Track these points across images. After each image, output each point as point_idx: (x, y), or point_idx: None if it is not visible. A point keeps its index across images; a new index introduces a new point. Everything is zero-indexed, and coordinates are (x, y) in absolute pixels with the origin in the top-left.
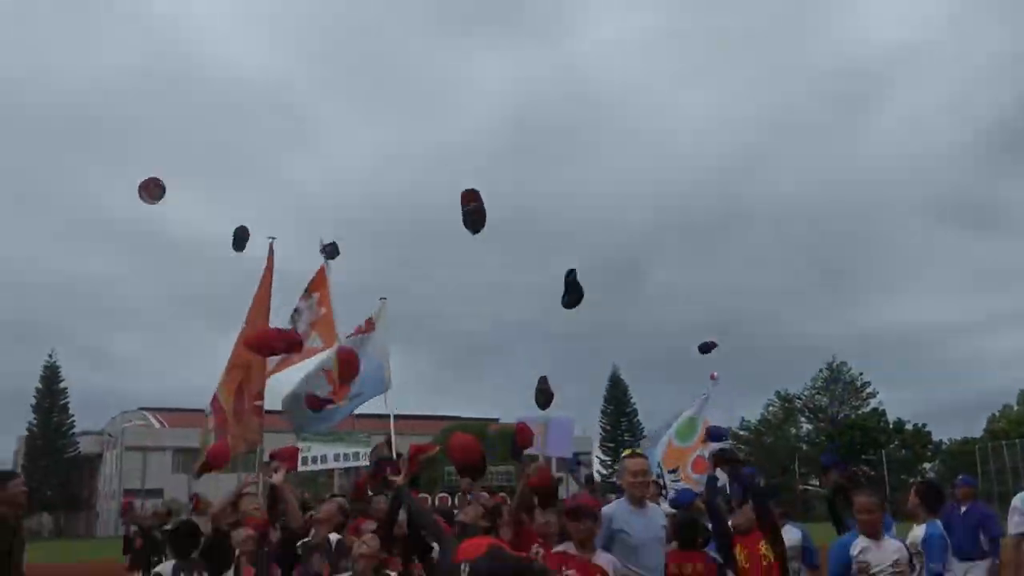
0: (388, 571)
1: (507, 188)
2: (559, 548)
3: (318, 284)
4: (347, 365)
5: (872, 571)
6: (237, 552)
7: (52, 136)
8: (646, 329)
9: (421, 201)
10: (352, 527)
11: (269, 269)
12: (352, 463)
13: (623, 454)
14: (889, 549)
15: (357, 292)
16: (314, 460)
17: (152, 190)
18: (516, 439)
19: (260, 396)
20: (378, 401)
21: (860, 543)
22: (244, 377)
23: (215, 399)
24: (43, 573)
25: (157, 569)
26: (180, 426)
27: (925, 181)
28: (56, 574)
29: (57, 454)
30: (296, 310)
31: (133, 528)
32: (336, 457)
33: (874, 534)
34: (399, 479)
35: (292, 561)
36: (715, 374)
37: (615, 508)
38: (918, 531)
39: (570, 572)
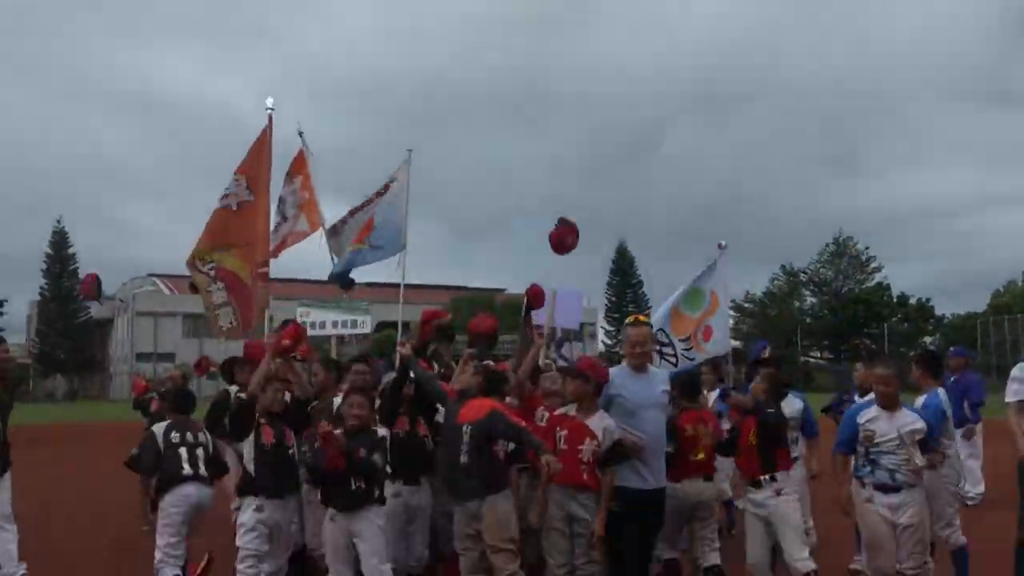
0: (375, 428)
1: (520, 60)
2: (562, 410)
3: (298, 167)
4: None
5: (876, 441)
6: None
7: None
8: (654, 202)
9: (432, 73)
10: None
11: (267, 137)
12: (351, 330)
13: (626, 321)
14: (900, 422)
15: (365, 160)
16: (312, 326)
17: (91, 288)
18: (529, 298)
19: (265, 264)
20: (381, 268)
21: (871, 412)
22: (249, 253)
23: (226, 272)
24: (60, 432)
25: (152, 428)
26: (189, 292)
27: (937, 56)
28: (72, 433)
29: (69, 319)
30: (281, 199)
31: (150, 393)
32: (335, 324)
33: (889, 405)
34: (405, 350)
35: (303, 424)
36: (723, 243)
37: (615, 372)
38: (918, 402)
39: (562, 432)
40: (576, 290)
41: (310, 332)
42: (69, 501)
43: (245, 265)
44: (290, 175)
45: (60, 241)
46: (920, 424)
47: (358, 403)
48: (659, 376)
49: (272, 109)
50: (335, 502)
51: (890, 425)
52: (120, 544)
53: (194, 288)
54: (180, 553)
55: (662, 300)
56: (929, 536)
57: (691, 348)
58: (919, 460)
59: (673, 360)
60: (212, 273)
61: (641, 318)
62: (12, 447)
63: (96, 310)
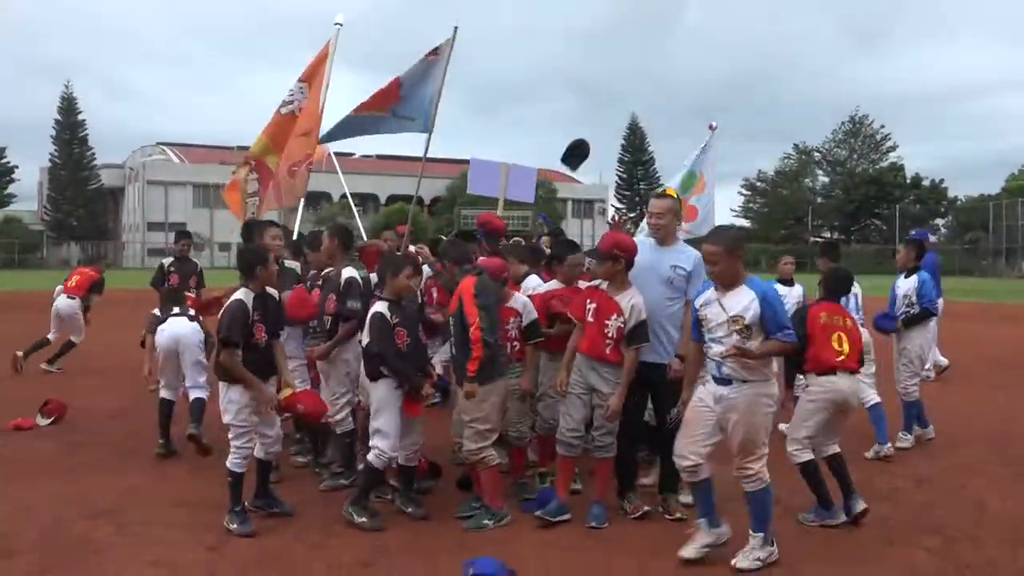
0: None
1: None
2: (596, 282)
3: (311, 73)
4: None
5: (710, 327)
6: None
7: None
8: (669, 77)
9: None
10: None
11: (329, 50)
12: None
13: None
14: (733, 304)
15: (376, 30)
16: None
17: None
18: (485, 230)
19: (309, 156)
20: (390, 141)
21: (708, 295)
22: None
23: (261, 164)
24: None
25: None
26: (200, 162)
27: None
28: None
29: (80, 185)
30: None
31: (168, 261)
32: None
33: (722, 286)
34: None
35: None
36: (713, 124)
37: (639, 241)
38: (912, 281)
39: (592, 305)
40: (530, 167)
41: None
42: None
43: (279, 158)
44: (302, 79)
45: (69, 107)
46: (752, 310)
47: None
48: (681, 254)
49: (341, 25)
50: None
51: (719, 309)
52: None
53: (232, 188)
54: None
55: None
56: (761, 439)
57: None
58: (743, 346)
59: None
60: (252, 164)
61: (669, 191)
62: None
63: (107, 177)
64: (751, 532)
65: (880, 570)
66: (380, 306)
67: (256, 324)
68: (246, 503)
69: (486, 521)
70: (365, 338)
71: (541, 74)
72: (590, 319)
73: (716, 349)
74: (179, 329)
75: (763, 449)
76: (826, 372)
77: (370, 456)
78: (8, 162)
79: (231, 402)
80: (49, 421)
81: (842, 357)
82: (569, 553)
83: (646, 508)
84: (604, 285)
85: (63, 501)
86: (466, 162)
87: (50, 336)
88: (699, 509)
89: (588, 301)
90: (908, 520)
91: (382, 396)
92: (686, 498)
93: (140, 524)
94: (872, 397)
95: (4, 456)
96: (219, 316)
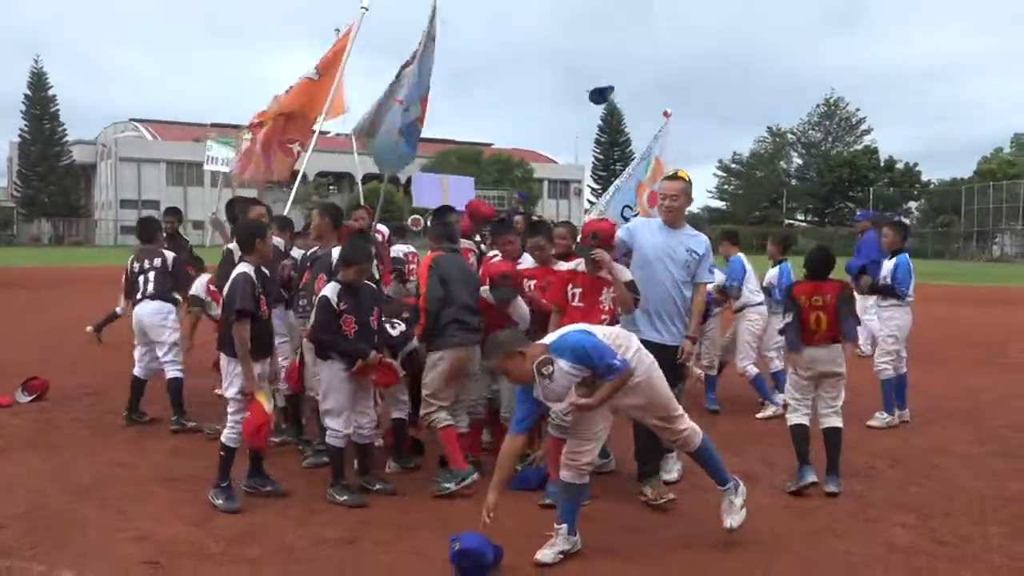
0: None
1: None
2: (569, 264)
3: (330, 64)
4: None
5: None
6: None
7: None
8: (646, 59)
9: None
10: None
11: (350, 32)
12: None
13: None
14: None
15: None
16: (213, 160)
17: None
18: (473, 215)
19: (292, 141)
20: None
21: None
22: (287, 121)
23: (257, 126)
24: (47, 276)
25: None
26: (173, 139)
27: None
28: (60, 276)
29: (51, 161)
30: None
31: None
32: (227, 162)
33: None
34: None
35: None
36: (668, 111)
37: (641, 223)
38: (889, 264)
39: (576, 290)
40: (467, 178)
41: (211, 166)
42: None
43: (272, 127)
44: (317, 68)
45: (39, 82)
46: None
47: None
48: (693, 238)
49: (367, 10)
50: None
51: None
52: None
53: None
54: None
55: (628, 175)
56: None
57: (637, 214)
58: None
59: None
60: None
61: (681, 173)
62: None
63: (79, 154)
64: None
65: (857, 545)
66: (329, 289)
67: (260, 296)
68: (242, 484)
69: (447, 484)
70: (239, 297)
71: (519, 52)
72: (577, 303)
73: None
74: (140, 312)
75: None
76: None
77: (327, 438)
78: None
79: (236, 376)
80: (30, 398)
81: (818, 335)
82: (548, 527)
83: (671, 495)
84: (582, 266)
85: (45, 477)
86: (445, 141)
87: (118, 309)
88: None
89: (570, 286)
90: (884, 497)
91: (328, 377)
92: (669, 475)
93: (122, 500)
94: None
95: None
96: (225, 292)
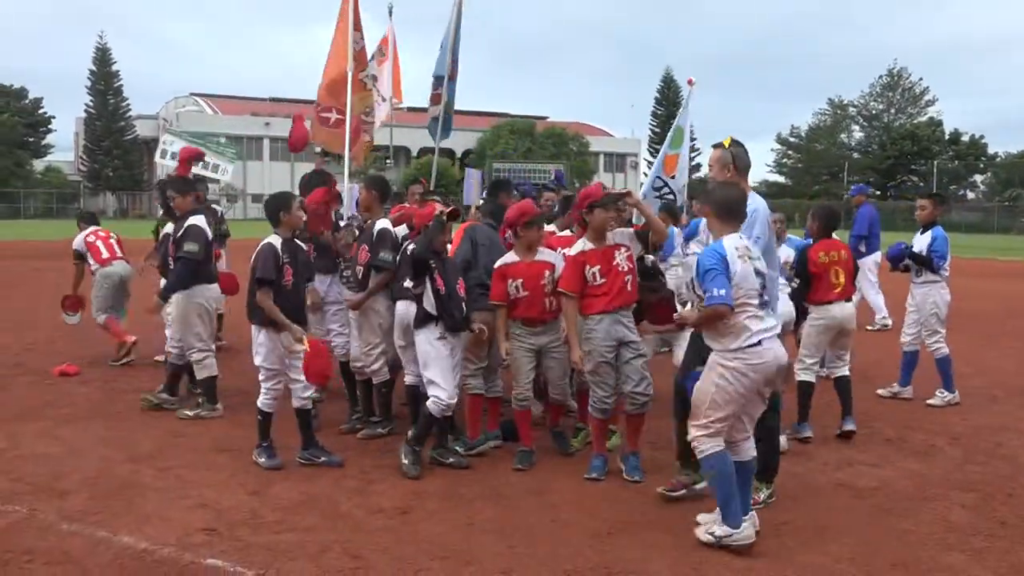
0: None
1: None
2: (576, 247)
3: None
4: None
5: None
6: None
7: None
8: (704, 30)
9: None
10: None
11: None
12: (211, 174)
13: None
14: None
15: None
16: (173, 156)
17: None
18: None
19: (326, 110)
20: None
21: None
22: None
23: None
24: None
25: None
26: (232, 113)
27: None
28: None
29: (115, 136)
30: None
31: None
32: (201, 163)
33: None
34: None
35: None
36: (692, 80)
37: None
38: (927, 236)
39: (593, 269)
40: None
41: (168, 161)
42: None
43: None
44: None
45: (103, 58)
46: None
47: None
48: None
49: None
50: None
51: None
52: None
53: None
54: None
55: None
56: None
57: (665, 185)
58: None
59: (672, 197)
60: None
61: (725, 141)
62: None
63: (141, 128)
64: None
65: (915, 524)
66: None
67: (285, 266)
68: (297, 457)
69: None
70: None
71: (574, 26)
72: (600, 281)
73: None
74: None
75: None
76: (824, 303)
77: (428, 404)
78: (45, 112)
79: (260, 345)
80: (77, 316)
81: (838, 289)
82: (606, 501)
83: (683, 491)
84: (588, 246)
85: (109, 444)
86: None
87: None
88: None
89: (586, 267)
90: (943, 476)
91: (426, 349)
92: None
93: (183, 468)
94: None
95: (52, 401)
96: (251, 261)
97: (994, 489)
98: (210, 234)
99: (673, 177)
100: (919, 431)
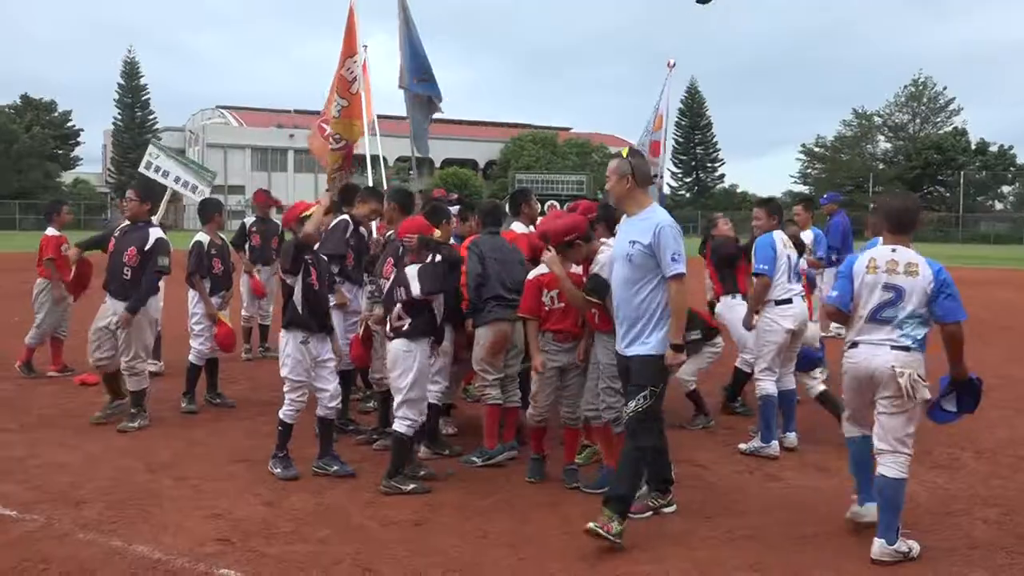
0: None
1: None
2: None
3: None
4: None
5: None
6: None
7: None
8: (728, 42)
9: None
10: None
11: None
12: (188, 192)
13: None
14: None
15: None
16: (156, 170)
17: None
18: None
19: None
20: (451, 104)
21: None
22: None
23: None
24: None
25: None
26: (257, 125)
27: None
28: None
29: (143, 148)
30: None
31: (250, 221)
32: (176, 179)
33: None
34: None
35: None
36: (672, 61)
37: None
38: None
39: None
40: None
41: (152, 173)
42: None
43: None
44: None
45: (131, 71)
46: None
47: None
48: (643, 222)
49: None
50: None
51: None
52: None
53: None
54: None
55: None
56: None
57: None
58: None
59: (660, 179)
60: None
61: (623, 151)
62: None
63: (168, 140)
64: None
65: (936, 539)
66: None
67: (311, 268)
68: (312, 466)
69: (474, 459)
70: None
71: (598, 37)
72: (557, 305)
73: None
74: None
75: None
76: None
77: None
78: (74, 125)
79: (288, 356)
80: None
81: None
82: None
83: (649, 513)
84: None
85: (127, 454)
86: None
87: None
88: None
89: (544, 292)
90: (966, 490)
91: (398, 357)
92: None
93: (199, 478)
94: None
95: (72, 410)
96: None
97: (1018, 504)
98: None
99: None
100: (944, 444)
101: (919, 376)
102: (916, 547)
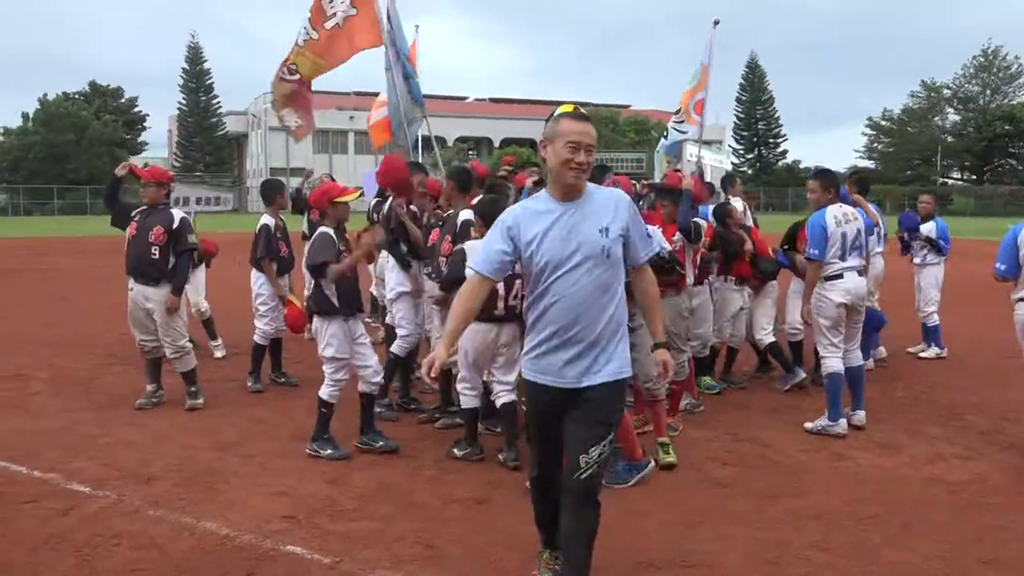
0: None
1: None
2: None
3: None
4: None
5: None
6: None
7: None
8: (792, 16)
9: None
10: None
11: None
12: (213, 207)
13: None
14: None
15: None
16: (176, 202)
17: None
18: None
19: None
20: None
21: None
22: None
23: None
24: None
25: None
26: (318, 107)
27: None
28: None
29: (207, 132)
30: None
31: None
32: (199, 200)
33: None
34: None
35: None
36: (717, 19)
37: None
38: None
39: None
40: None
41: (175, 206)
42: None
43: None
44: None
45: (195, 57)
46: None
47: None
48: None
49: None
50: None
51: None
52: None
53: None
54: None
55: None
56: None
57: (683, 121)
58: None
59: (686, 133)
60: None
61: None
62: None
63: (231, 124)
64: None
65: (1009, 520)
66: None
67: (343, 254)
68: (355, 442)
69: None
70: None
71: (657, 13)
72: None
73: None
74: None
75: None
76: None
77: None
78: (140, 111)
79: (332, 336)
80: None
81: None
82: (680, 492)
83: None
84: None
85: (194, 432)
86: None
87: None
88: None
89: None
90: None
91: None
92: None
93: (264, 456)
94: None
95: (141, 389)
96: (307, 250)
97: None
98: None
99: (678, 111)
100: (1016, 423)
101: None
102: None
